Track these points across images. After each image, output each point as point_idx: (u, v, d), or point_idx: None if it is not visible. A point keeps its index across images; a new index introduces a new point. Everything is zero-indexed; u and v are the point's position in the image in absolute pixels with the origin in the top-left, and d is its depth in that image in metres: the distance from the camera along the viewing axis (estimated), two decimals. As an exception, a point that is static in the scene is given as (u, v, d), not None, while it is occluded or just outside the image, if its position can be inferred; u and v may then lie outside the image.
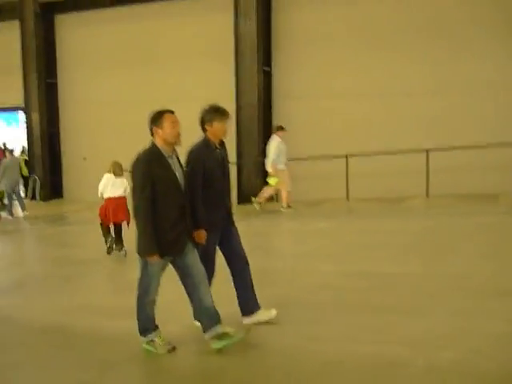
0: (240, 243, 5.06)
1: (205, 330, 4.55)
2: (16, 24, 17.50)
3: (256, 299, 5.08)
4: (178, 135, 4.46)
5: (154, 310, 4.65)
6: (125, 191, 8.58)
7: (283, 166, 12.22)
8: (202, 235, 4.66)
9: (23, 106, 17.91)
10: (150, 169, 4.34)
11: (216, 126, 4.87)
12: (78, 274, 7.78)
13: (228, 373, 4.24)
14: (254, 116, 14.16)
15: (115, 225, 8.70)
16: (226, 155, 5.07)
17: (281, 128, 12.34)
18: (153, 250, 4.34)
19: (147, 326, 4.65)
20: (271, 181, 12.23)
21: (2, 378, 4.39)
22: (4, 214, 14.67)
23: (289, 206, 12.24)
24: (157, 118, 4.45)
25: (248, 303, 5.05)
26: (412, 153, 12.49)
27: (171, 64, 15.74)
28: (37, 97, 17.45)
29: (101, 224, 8.78)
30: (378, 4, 13.66)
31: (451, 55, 12.94)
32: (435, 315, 5.06)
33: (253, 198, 12.76)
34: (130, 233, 8.69)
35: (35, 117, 17.60)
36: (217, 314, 4.54)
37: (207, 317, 4.52)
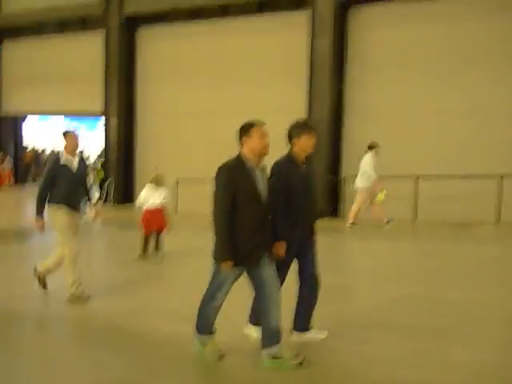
0: (314, 261, 5.09)
1: (263, 345, 4.58)
2: (99, 34, 18.31)
3: (310, 318, 5.11)
4: (266, 147, 4.52)
5: (215, 317, 4.68)
6: (164, 199, 9.20)
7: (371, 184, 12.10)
8: (281, 248, 4.73)
9: (103, 113, 18.67)
10: (232, 178, 4.41)
11: (304, 141, 4.93)
12: (142, 277, 8.05)
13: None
14: (324, 132, 14.19)
15: (157, 233, 9.25)
16: (312, 172, 5.14)
17: (374, 145, 12.24)
18: (227, 257, 4.39)
19: (204, 326, 4.70)
20: (379, 197, 12.02)
21: (58, 372, 4.62)
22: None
23: (353, 224, 12.17)
24: (247, 129, 4.53)
25: (303, 320, 5.08)
26: (484, 178, 12.17)
27: (245, 78, 16.04)
28: (116, 105, 18.16)
29: (143, 233, 9.18)
30: (455, 23, 13.42)
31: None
32: (488, 345, 4.96)
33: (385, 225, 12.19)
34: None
35: (113, 123, 18.31)
36: (279, 333, 4.54)
37: (269, 334, 4.53)
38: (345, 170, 14.74)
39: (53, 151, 5.60)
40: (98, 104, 18.68)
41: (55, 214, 6.55)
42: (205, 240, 5.53)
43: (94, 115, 20.27)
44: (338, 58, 14.42)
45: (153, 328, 5.63)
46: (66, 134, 6.73)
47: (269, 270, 4.55)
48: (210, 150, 16.64)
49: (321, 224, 5.36)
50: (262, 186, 4.52)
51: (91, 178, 19.67)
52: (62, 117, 27.29)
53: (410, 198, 12.96)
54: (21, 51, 21.40)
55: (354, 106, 14.57)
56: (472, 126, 13.02)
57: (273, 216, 4.66)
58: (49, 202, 6.56)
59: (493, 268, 8.40)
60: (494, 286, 7.18)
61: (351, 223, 12.21)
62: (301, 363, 4.52)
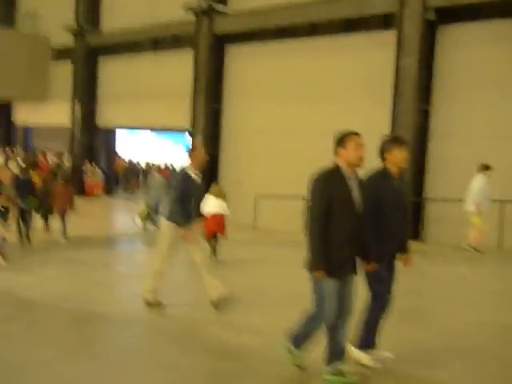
0: (391, 282, 5.01)
1: (327, 361, 4.59)
2: (189, 53, 18.94)
3: (374, 339, 5.04)
4: (362, 158, 4.52)
5: (343, 336, 4.57)
6: (221, 209, 10.35)
7: (485, 208, 11.77)
8: (370, 267, 4.71)
9: (189, 128, 19.24)
10: (328, 186, 4.43)
11: (395, 155, 4.89)
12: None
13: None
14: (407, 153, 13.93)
15: (215, 237, 10.32)
16: (405, 187, 5.10)
17: (487, 167, 11.88)
18: (320, 266, 4.39)
19: (337, 352, 4.56)
20: (474, 219, 11.75)
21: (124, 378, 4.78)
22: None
23: (475, 249, 11.78)
24: (342, 139, 4.55)
25: (363, 338, 5.01)
26: None
27: (330, 97, 16.06)
28: (203, 120, 18.67)
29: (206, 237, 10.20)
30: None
31: None
32: None
33: (467, 248, 12.02)
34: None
35: (199, 139, 18.82)
36: (344, 352, 4.57)
37: (335, 351, 4.54)
38: (429, 191, 14.43)
39: (177, 167, 5.70)
40: (185, 120, 19.27)
41: (168, 229, 6.72)
42: (281, 252, 5.64)
43: (182, 131, 20.89)
44: (425, 78, 14.16)
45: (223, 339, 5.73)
46: (193, 149, 6.99)
47: (351, 288, 4.59)
48: (290, 167, 16.78)
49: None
50: (358, 196, 4.51)
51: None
52: (149, 131, 28.31)
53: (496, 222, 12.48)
54: (116, 68, 22.53)
55: (440, 129, 14.24)
56: None
57: (367, 229, 4.65)
58: (166, 215, 6.80)
59: None
60: None
61: (473, 248, 11.79)
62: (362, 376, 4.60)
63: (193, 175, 6.78)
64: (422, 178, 14.51)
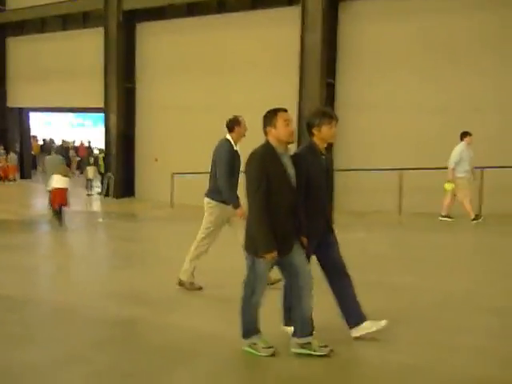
0: (339, 253, 4.83)
1: (294, 333, 4.51)
2: (99, 30, 18.69)
3: (360, 310, 4.79)
4: (292, 134, 4.44)
5: (258, 313, 4.54)
6: (66, 185, 12.49)
7: (463, 174, 11.40)
8: (303, 242, 4.57)
9: (102, 107, 19.06)
10: (264, 165, 4.32)
11: (324, 131, 4.66)
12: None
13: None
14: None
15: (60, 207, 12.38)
16: (332, 162, 4.91)
17: (466, 134, 11.56)
18: (271, 247, 4.26)
19: (250, 328, 4.54)
20: (446, 186, 11.50)
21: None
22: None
23: (477, 216, 11.47)
24: (270, 117, 4.44)
25: (351, 314, 4.78)
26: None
27: (238, 73, 16.32)
28: (115, 100, 18.54)
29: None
30: (444, 18, 13.58)
31: None
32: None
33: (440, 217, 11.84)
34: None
35: (113, 118, 18.71)
36: (311, 325, 4.48)
37: (301, 323, 4.47)
38: (336, 162, 14.97)
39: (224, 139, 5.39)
40: (99, 100, 19.06)
41: (214, 210, 6.35)
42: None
43: (95, 111, 20.66)
44: (330, 52, 14.63)
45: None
46: (237, 123, 6.47)
47: (301, 258, 4.48)
48: (205, 143, 16.91)
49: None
50: (292, 172, 4.45)
51: (92, 173, 20.15)
52: (66, 111, 27.80)
53: (397, 190, 13.20)
54: (25, 46, 21.89)
55: (345, 100, 14.79)
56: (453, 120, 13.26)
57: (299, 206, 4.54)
58: (212, 196, 6.36)
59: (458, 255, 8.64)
60: (450, 272, 7.42)
61: (474, 218, 11.33)
62: (327, 355, 4.43)
63: (237, 149, 6.40)
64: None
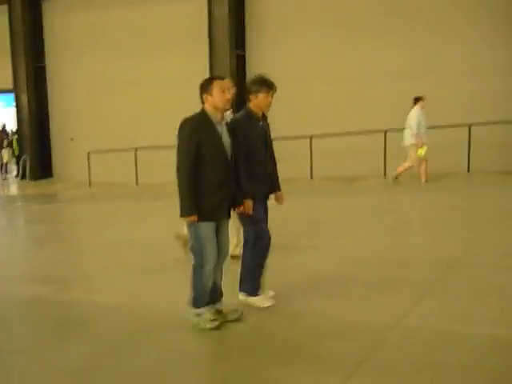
0: (266, 219, 4.98)
1: (192, 304, 4.56)
2: (4, 8, 18.10)
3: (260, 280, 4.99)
4: (228, 101, 4.43)
5: (211, 282, 4.51)
6: None
7: (425, 138, 11.38)
8: (249, 205, 4.69)
9: (12, 88, 18.57)
10: (196, 131, 4.34)
11: (261, 99, 4.77)
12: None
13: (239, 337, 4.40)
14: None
15: None
16: (268, 128, 4.99)
17: (419, 99, 11.44)
18: (192, 211, 4.33)
19: (201, 298, 4.52)
20: (420, 151, 11.28)
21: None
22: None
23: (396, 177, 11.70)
24: (207, 85, 4.43)
25: (254, 282, 4.94)
26: (372, 133, 13.00)
27: (153, 48, 16.29)
28: (25, 79, 18.10)
29: None
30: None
31: (421, 38, 13.32)
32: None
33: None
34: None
35: (24, 99, 18.30)
36: (214, 294, 4.56)
37: (199, 294, 4.51)
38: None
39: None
40: (7, 80, 18.53)
41: None
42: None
43: (5, 92, 20.06)
44: (238, 24, 14.87)
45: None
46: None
47: (225, 235, 4.61)
48: (122, 119, 16.93)
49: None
50: (227, 140, 4.49)
51: (7, 156, 19.68)
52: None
53: (308, 157, 13.67)
54: None
55: (255, 71, 14.98)
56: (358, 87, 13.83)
57: (236, 173, 4.64)
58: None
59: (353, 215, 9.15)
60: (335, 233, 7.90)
61: (396, 176, 11.66)
62: (216, 328, 4.47)
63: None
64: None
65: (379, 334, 4.22)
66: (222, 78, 4.51)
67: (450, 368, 3.62)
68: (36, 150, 18.58)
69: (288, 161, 13.98)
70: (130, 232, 7.12)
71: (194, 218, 4.35)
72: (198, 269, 4.49)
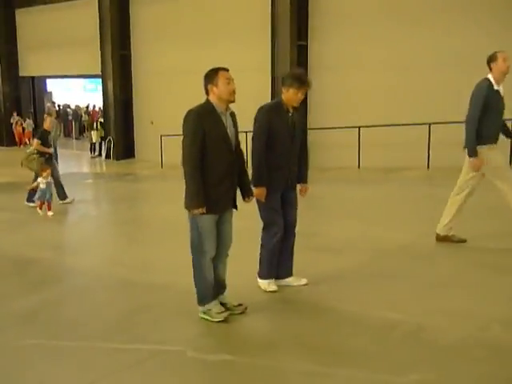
0: (294, 210, 5.11)
1: (198, 301, 4.59)
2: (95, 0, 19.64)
3: (291, 266, 5.24)
4: (233, 92, 4.41)
5: (212, 275, 4.51)
6: None
7: None
8: (261, 192, 4.78)
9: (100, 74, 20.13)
10: (200, 121, 4.29)
11: (291, 93, 4.87)
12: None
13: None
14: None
15: None
16: (299, 121, 5.02)
17: None
18: (200, 203, 4.27)
19: (205, 293, 4.52)
20: None
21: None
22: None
23: None
24: (211, 76, 4.42)
25: (268, 268, 5.12)
26: (416, 125, 13.07)
27: (221, 37, 17.03)
28: (111, 66, 19.56)
29: None
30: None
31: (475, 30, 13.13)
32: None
33: None
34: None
35: (110, 84, 19.77)
36: (218, 287, 4.61)
37: (204, 289, 4.53)
38: (312, 122, 15.77)
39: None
40: (96, 67, 20.11)
41: (488, 158, 6.08)
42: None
43: (95, 77, 21.73)
44: (300, 16, 15.24)
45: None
46: (494, 59, 6.09)
47: (228, 226, 4.59)
48: (191, 104, 17.87)
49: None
50: (231, 131, 4.46)
51: (96, 136, 21.36)
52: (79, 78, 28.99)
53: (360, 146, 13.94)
54: (31, 18, 23.03)
55: (316, 61, 15.44)
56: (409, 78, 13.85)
57: (254, 160, 4.74)
58: (479, 142, 6.04)
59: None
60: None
61: None
62: (224, 320, 4.49)
63: (496, 87, 6.09)
64: (304, 108, 15.78)
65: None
66: (227, 70, 4.47)
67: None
68: (120, 132, 20.05)
69: (338, 149, 14.54)
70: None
71: (202, 210, 4.30)
72: (197, 263, 4.49)
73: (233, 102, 4.46)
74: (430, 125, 12.92)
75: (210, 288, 4.51)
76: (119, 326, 4.58)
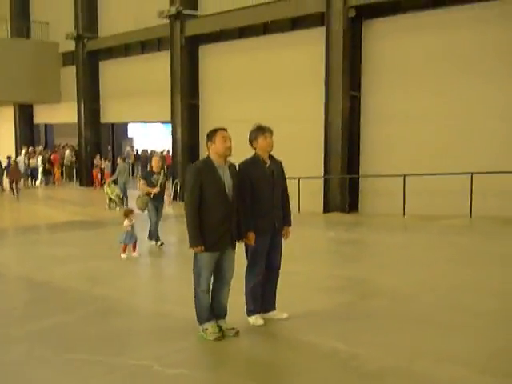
0: (279, 255, 5.64)
1: (198, 321, 5.33)
2: (167, 54, 21.18)
3: (274, 300, 5.79)
4: (229, 148, 5.11)
5: (207, 300, 5.25)
6: None
7: None
8: (250, 237, 5.35)
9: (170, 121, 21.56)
10: (200, 175, 5.04)
11: (261, 142, 5.46)
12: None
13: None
14: (338, 136, 15.84)
15: None
16: (278, 169, 5.57)
17: None
18: (199, 242, 5.02)
19: (202, 315, 5.28)
20: None
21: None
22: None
23: None
24: (211, 135, 5.18)
25: (253, 304, 5.65)
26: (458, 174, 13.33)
27: (278, 90, 18.01)
28: (180, 114, 20.90)
29: None
30: (457, 33, 14.42)
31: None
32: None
33: None
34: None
35: (179, 131, 21.09)
36: (217, 311, 5.33)
37: (202, 312, 5.27)
38: (362, 169, 16.27)
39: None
40: (167, 114, 21.54)
41: None
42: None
43: (165, 122, 23.22)
44: (353, 67, 15.97)
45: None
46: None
47: (230, 257, 5.28)
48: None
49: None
50: (229, 182, 5.12)
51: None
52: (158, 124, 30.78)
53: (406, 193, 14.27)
54: (113, 69, 25.08)
55: (368, 112, 16.02)
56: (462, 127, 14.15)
57: (241, 209, 5.24)
58: None
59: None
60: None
61: None
62: (218, 339, 5.21)
63: None
64: (357, 157, 16.32)
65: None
66: (225, 130, 5.22)
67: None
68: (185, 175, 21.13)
69: (384, 197, 14.92)
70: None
71: (201, 248, 5.06)
72: (195, 290, 5.27)
73: (229, 156, 5.18)
74: (472, 174, 13.13)
75: (204, 311, 5.27)
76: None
